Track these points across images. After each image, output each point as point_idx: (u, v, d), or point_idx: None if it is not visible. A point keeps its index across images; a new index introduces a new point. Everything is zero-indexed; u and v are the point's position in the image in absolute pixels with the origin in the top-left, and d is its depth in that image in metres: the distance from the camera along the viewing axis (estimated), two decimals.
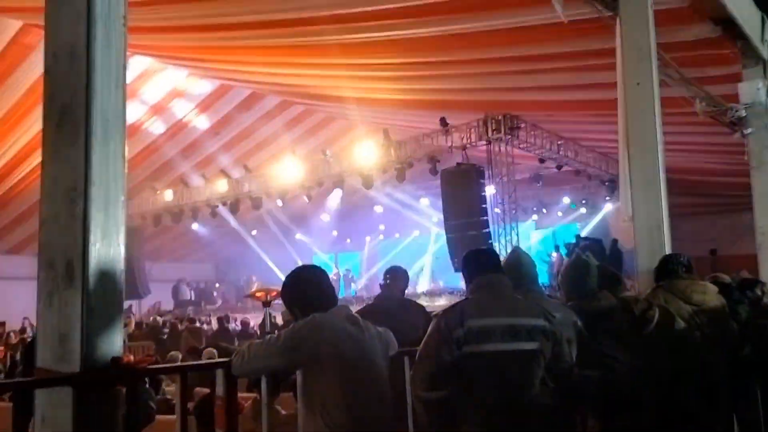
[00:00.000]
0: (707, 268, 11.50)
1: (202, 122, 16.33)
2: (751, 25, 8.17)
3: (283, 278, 2.86)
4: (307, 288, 2.74)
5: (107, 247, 2.01)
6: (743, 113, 8.50)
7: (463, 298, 3.05)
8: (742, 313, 4.46)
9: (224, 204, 18.37)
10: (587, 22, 6.08)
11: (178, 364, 5.46)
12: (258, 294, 12.72)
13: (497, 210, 14.29)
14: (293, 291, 2.77)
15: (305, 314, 2.60)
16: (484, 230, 13.54)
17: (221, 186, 18.26)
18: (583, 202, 19.64)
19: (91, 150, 1.92)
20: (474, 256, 3.15)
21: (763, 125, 8.45)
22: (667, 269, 4.34)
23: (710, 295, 4.17)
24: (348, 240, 25.43)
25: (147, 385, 4.97)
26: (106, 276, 2.02)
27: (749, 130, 8.57)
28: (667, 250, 4.84)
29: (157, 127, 16.19)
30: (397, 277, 4.57)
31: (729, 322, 4.20)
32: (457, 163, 14.27)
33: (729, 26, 7.69)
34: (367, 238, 25.00)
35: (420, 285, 20.31)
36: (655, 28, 5.28)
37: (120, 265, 2.08)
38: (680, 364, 3.96)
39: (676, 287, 4.16)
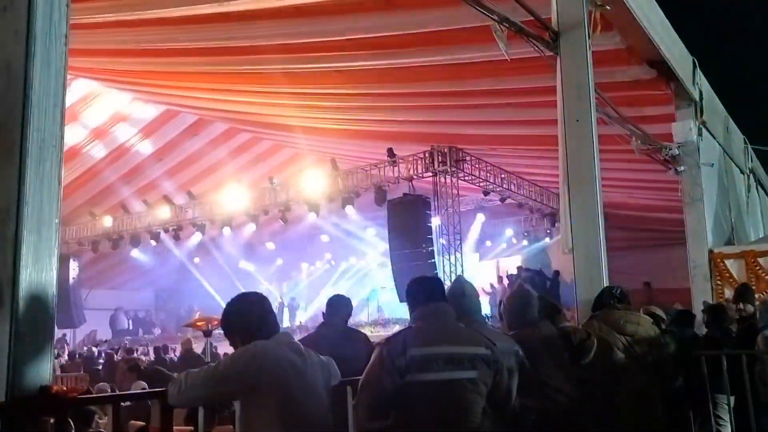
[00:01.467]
0: (643, 300, 11.85)
1: (145, 147, 16.01)
2: (684, 67, 8.61)
3: (224, 307, 2.79)
4: (249, 315, 2.65)
5: (39, 271, 1.93)
6: (676, 151, 8.90)
7: (407, 326, 3.05)
8: (671, 344, 4.61)
9: (166, 231, 17.97)
10: (529, 61, 6.27)
11: (111, 393, 5.24)
12: (199, 323, 12.42)
13: (442, 241, 14.43)
14: (234, 318, 2.68)
15: (246, 342, 2.54)
16: (430, 260, 13.64)
17: (163, 212, 17.88)
18: (526, 234, 20.05)
19: (25, 169, 1.86)
20: (418, 285, 3.16)
21: (695, 163, 8.85)
22: (602, 300, 4.47)
23: (644, 326, 4.30)
24: (293, 269, 25.18)
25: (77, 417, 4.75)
26: (36, 301, 1.94)
27: (682, 168, 8.96)
28: (605, 282, 4.97)
29: (98, 151, 15.79)
30: (339, 306, 4.53)
31: (663, 352, 4.33)
32: (404, 194, 14.40)
33: (663, 68, 8.09)
34: (312, 267, 24.80)
35: (365, 314, 20.22)
36: (594, 68, 5.49)
37: (52, 290, 2.00)
38: (618, 394, 4.05)
39: (610, 318, 4.28)
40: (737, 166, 11.54)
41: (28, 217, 1.87)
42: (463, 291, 3.55)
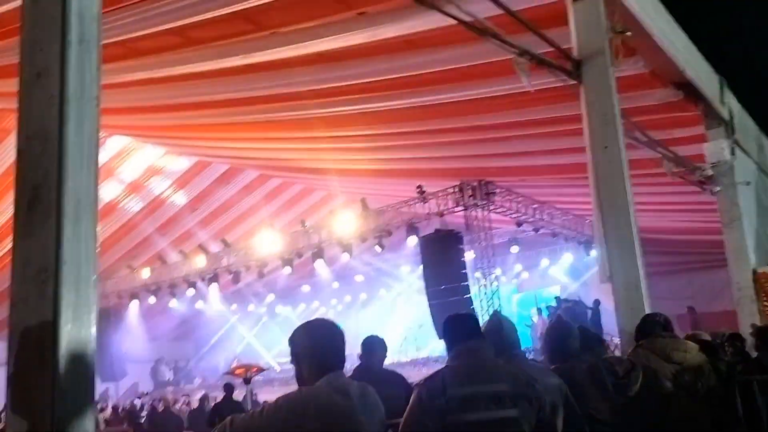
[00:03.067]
0: (687, 326, 11.54)
1: (179, 198, 16.35)
2: (711, 88, 8.52)
3: (263, 353, 2.73)
4: (322, 343, 2.54)
5: (78, 328, 1.96)
6: (710, 172, 8.75)
7: (444, 366, 3.00)
8: (723, 369, 4.46)
9: (203, 279, 18.17)
10: (553, 90, 6.29)
11: None
12: (238, 371, 12.42)
13: (478, 275, 14.30)
14: (305, 343, 2.55)
15: (311, 370, 2.48)
16: (465, 296, 13.50)
17: (199, 261, 18.11)
18: (562, 264, 19.76)
19: (62, 229, 1.91)
20: (453, 323, 3.13)
21: (731, 183, 8.69)
22: (646, 328, 4.35)
23: (691, 353, 4.17)
24: (330, 310, 25.16)
25: None
26: (77, 357, 1.97)
27: (718, 189, 8.80)
28: (646, 309, 4.86)
29: (134, 205, 16.15)
30: (374, 347, 4.47)
31: (712, 380, 4.18)
32: (436, 230, 14.36)
33: (690, 90, 8.01)
34: (348, 308, 24.73)
35: (403, 354, 20.01)
36: (618, 94, 5.47)
37: (92, 345, 2.03)
38: (667, 424, 3.91)
39: (656, 346, 4.16)
40: None
41: (66, 275, 1.91)
42: (501, 326, 3.50)
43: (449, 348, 3.03)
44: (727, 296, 9.14)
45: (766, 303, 8.45)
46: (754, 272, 8.58)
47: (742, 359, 5.36)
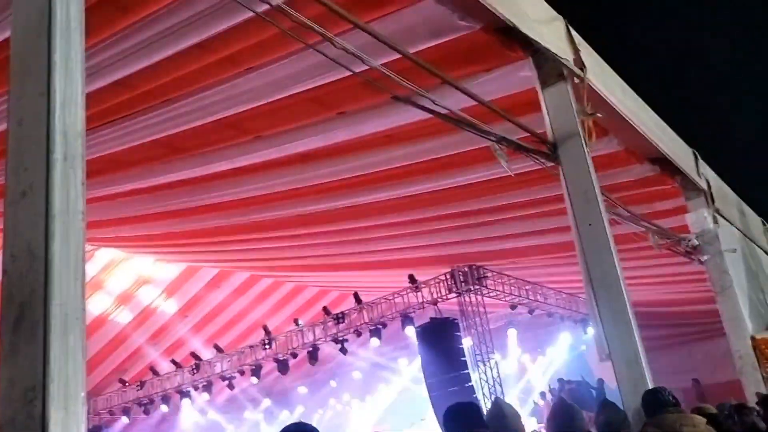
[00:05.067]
0: (693, 398, 11.29)
1: (170, 306, 16.17)
2: (686, 161, 8.77)
3: None
4: None
5: None
6: (696, 242, 8.85)
7: None
8: None
9: (196, 388, 17.69)
10: (533, 173, 6.44)
11: None
12: None
13: (478, 362, 14.04)
14: None
15: None
16: (467, 384, 13.22)
17: (192, 370, 17.69)
18: (560, 344, 19.48)
19: (49, 346, 1.89)
20: (454, 414, 3.08)
21: (717, 251, 8.76)
22: (654, 405, 4.27)
23: (700, 427, 4.08)
24: (328, 411, 24.38)
25: None
26: None
27: (705, 258, 8.86)
28: (649, 385, 4.77)
29: (124, 317, 15.94)
30: None
31: None
32: (431, 318, 14.23)
33: (665, 164, 8.25)
34: (347, 407, 24.01)
35: None
36: (597, 172, 5.60)
37: None
38: None
39: (665, 423, 4.07)
40: (761, 247, 11.40)
41: (54, 394, 1.88)
42: (503, 413, 3.44)
43: None
44: (729, 365, 9.00)
45: None
46: (753, 339, 8.50)
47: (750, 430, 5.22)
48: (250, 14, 4.15)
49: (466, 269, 13.73)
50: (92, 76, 5.46)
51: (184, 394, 17.78)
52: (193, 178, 8.41)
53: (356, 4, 4.86)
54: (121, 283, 14.86)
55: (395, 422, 20.95)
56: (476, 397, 12.88)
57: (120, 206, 9.44)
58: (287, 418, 22.56)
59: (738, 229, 10.22)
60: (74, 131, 2.20)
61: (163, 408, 18.15)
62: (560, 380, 17.00)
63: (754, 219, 11.80)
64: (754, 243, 11.05)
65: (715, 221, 8.96)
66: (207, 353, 17.75)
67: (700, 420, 4.20)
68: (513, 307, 15.39)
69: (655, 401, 4.29)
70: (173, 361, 18.00)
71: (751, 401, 6.83)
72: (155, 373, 18.14)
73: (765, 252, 11.63)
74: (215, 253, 13.37)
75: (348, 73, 4.89)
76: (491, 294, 14.35)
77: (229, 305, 16.76)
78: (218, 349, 17.38)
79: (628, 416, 4.43)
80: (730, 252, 8.96)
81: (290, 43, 5.04)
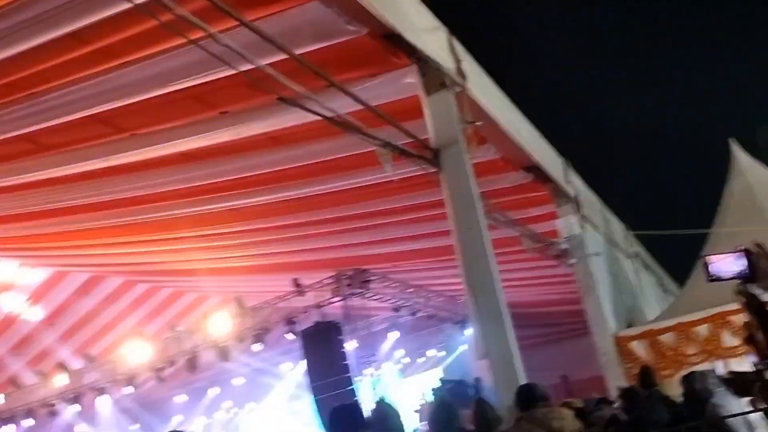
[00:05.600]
0: (562, 393, 11.99)
1: (35, 314, 15.01)
2: (556, 169, 9.33)
3: None
4: None
5: None
6: (565, 246, 9.43)
7: None
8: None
9: (65, 401, 16.57)
10: (417, 178, 6.59)
11: None
12: None
13: (362, 365, 14.15)
14: None
15: None
16: (349, 387, 13.27)
17: (60, 381, 16.55)
18: (441, 345, 20.05)
19: None
20: (337, 416, 3.08)
21: (583, 255, 9.38)
22: (527, 400, 4.47)
23: (568, 420, 4.33)
24: (210, 419, 23.65)
25: None
26: None
27: (572, 261, 9.47)
28: (522, 382, 5.01)
29: None
30: None
31: None
32: (315, 323, 14.15)
33: (538, 172, 8.74)
34: (230, 414, 23.42)
35: None
36: (476, 178, 5.83)
37: None
38: None
39: (536, 416, 4.28)
40: (622, 251, 12.31)
41: None
42: (386, 414, 3.48)
43: None
44: (594, 362, 9.64)
45: (629, 365, 9.00)
46: (615, 337, 9.16)
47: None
48: (128, 5, 3.97)
49: (351, 273, 13.79)
50: None
51: (50, 408, 16.60)
52: (61, 177, 7.89)
53: (241, 1, 4.77)
54: None
55: (280, 427, 20.68)
56: (358, 399, 12.96)
57: None
58: (165, 428, 21.67)
59: (602, 235, 10.98)
60: None
61: (29, 422, 16.87)
62: (441, 380, 17.47)
63: (617, 225, 12.73)
64: (617, 247, 11.92)
65: (582, 227, 9.59)
66: (77, 363, 16.67)
67: (568, 413, 4.46)
68: (396, 309, 15.63)
69: (528, 396, 4.50)
70: (38, 373, 16.76)
71: (614, 395, 7.35)
72: (17, 386, 16.81)
73: (626, 256, 12.57)
74: (86, 257, 12.57)
75: (232, 72, 4.79)
76: (375, 297, 14.50)
77: (100, 312, 15.82)
78: (89, 359, 16.37)
79: (499, 411, 4.62)
80: (594, 256, 9.61)
81: (171, 37, 4.87)
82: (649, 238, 14.53)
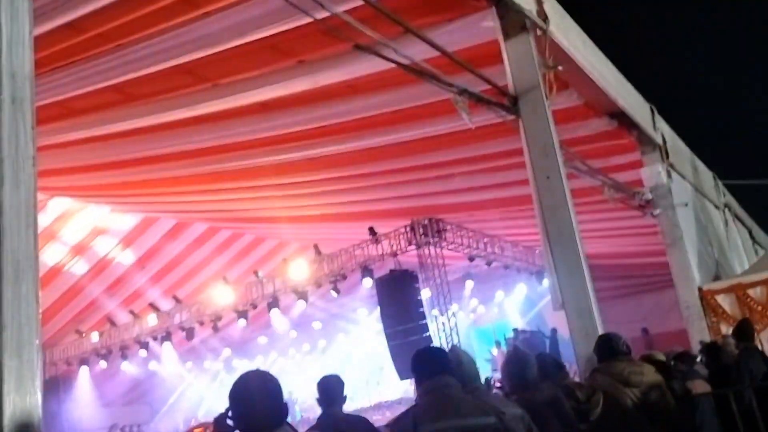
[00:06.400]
0: (642, 347, 11.75)
1: (127, 257, 15.93)
2: (643, 115, 8.90)
3: (222, 410, 2.55)
4: (250, 402, 2.30)
5: (23, 396, 1.89)
6: (649, 196, 9.07)
7: (413, 403, 2.99)
8: (678, 389, 4.54)
9: (155, 339, 17.65)
10: (493, 126, 6.46)
11: None
12: (196, 431, 12.02)
13: (435, 312, 14.31)
14: (234, 406, 2.33)
15: None
16: (425, 334, 13.48)
17: (151, 320, 17.61)
18: (517, 295, 19.97)
19: (1, 293, 1.85)
20: (420, 359, 3.13)
21: (669, 205, 9.01)
22: (606, 351, 4.40)
23: (648, 375, 4.24)
24: (288, 361, 24.65)
25: None
26: (23, 427, 1.88)
27: (657, 211, 9.11)
28: (600, 333, 4.93)
29: (79, 268, 15.64)
30: (331, 389, 4.19)
31: (669, 399, 4.26)
32: (390, 270, 14.36)
33: (623, 119, 8.36)
34: (308, 356, 24.32)
35: (366, 399, 19.71)
36: (557, 126, 5.65)
37: (38, 413, 1.95)
38: None
39: (614, 370, 4.22)
40: (711, 202, 11.75)
41: (7, 341, 1.85)
42: (460, 360, 3.50)
43: (418, 384, 3.03)
44: (676, 315, 9.37)
45: (713, 319, 8.70)
46: (700, 290, 8.84)
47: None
48: None
49: (426, 222, 13.84)
50: (41, 18, 5.21)
51: (143, 345, 17.73)
52: (148, 127, 8.20)
53: None
54: (76, 233, 14.53)
55: (355, 371, 21.33)
56: (433, 345, 13.14)
57: (74, 154, 9.17)
58: (247, 367, 22.74)
59: (690, 184, 10.50)
60: (22, 73, 2.11)
61: (122, 359, 18.10)
62: (515, 330, 17.48)
63: (706, 174, 12.13)
64: (706, 198, 11.39)
65: (669, 176, 9.19)
66: (166, 304, 17.66)
67: (649, 368, 4.37)
68: (471, 259, 15.62)
69: (608, 348, 4.42)
70: (131, 312, 17.88)
71: (696, 349, 7.15)
72: (113, 324, 18.02)
73: (715, 206, 12.00)
74: (173, 204, 13.16)
75: (308, 20, 4.78)
76: (450, 246, 14.53)
77: (187, 256, 16.60)
78: (177, 300, 17.30)
79: (563, 364, 4.56)
80: (681, 206, 9.22)
81: None
82: (741, 188, 13.84)
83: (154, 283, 17.02)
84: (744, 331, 6.09)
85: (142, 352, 18.00)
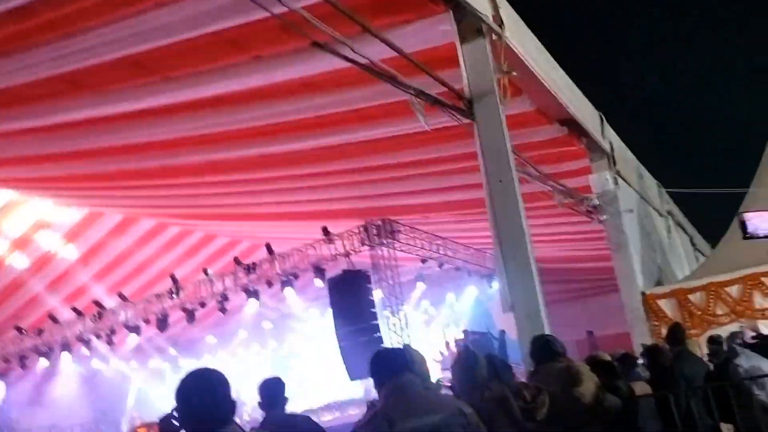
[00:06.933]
0: (586, 349, 12.04)
1: (70, 252, 15.43)
2: (592, 123, 9.12)
3: (167, 410, 2.49)
4: (193, 401, 2.28)
5: None
6: (597, 202, 9.30)
7: (380, 403, 2.98)
8: (623, 388, 4.66)
9: (98, 337, 17.17)
10: (449, 129, 6.51)
11: None
12: (140, 430, 11.75)
13: (387, 313, 14.35)
14: (179, 404, 2.31)
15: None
16: (376, 334, 13.49)
17: (95, 318, 17.11)
18: (467, 297, 20.21)
19: None
20: (381, 359, 3.14)
21: (616, 211, 9.25)
22: (542, 352, 4.47)
23: (585, 375, 4.33)
24: (236, 362, 24.32)
25: None
26: None
27: (604, 217, 9.35)
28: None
29: (21, 262, 15.10)
30: (272, 390, 4.17)
31: (609, 399, 4.34)
32: (343, 271, 14.33)
33: (573, 126, 8.56)
34: (256, 357, 24.04)
35: (314, 399, 19.60)
36: (510, 131, 5.73)
37: None
38: None
39: (551, 371, 4.29)
40: (655, 209, 12.12)
41: None
42: (413, 359, 3.53)
43: (379, 383, 3.03)
44: (620, 319, 9.62)
45: (655, 323, 8.97)
46: (643, 294, 9.11)
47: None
48: None
49: (379, 223, 13.87)
50: None
51: (86, 343, 17.24)
52: (96, 118, 7.98)
53: None
54: (18, 226, 14.02)
55: (305, 371, 21.20)
56: (383, 346, 13.17)
57: (17, 144, 8.85)
58: (194, 366, 22.36)
59: (636, 191, 10.80)
60: None
61: (64, 356, 17.56)
62: (465, 331, 17.68)
63: (651, 182, 12.50)
64: (650, 205, 11.73)
65: (616, 183, 9.44)
66: (111, 302, 17.20)
67: (586, 368, 4.45)
68: (423, 261, 15.74)
69: (546, 350, 4.49)
70: (74, 309, 17.35)
71: (638, 352, 7.35)
72: (55, 320, 17.45)
73: (659, 214, 12.38)
74: (120, 198, 12.81)
75: (265, 15, 4.72)
76: (403, 248, 14.59)
77: (134, 253, 16.20)
78: (122, 298, 16.87)
79: (512, 366, 4.63)
80: (627, 213, 9.48)
81: None
82: (683, 196, 14.28)
83: (98, 279, 16.56)
84: (675, 335, 6.29)
85: (85, 350, 17.50)
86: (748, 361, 5.71)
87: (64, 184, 11.47)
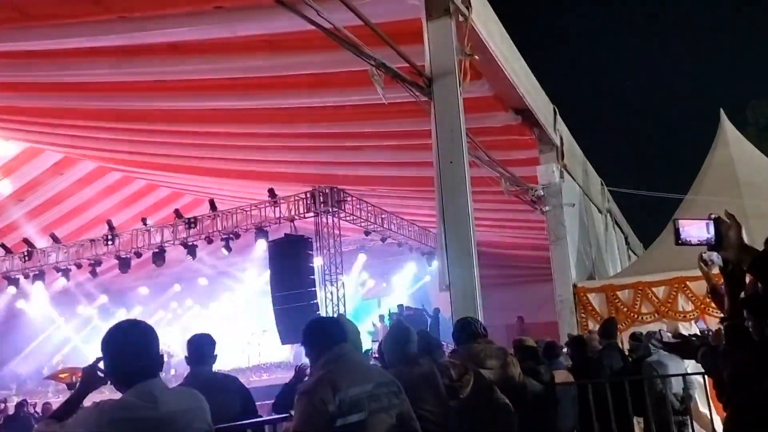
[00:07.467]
0: (516, 334, 12.37)
1: (4, 187, 14.83)
2: (546, 115, 9.27)
3: (92, 357, 2.47)
4: (128, 349, 2.29)
5: None
6: (541, 193, 9.50)
7: (320, 371, 3.00)
8: (545, 374, 4.82)
9: (26, 277, 16.67)
10: (406, 105, 6.50)
11: None
12: (62, 375, 11.52)
13: (326, 282, 14.38)
14: (112, 350, 2.31)
15: (119, 379, 2.27)
16: (312, 301, 13.53)
17: (23, 256, 16.58)
18: (406, 273, 20.45)
19: None
20: (319, 327, 3.16)
21: (558, 204, 9.48)
22: (464, 334, 4.57)
23: (502, 359, 4.45)
24: (169, 315, 24.04)
25: None
26: None
27: (547, 208, 9.57)
28: (481, 317, 5.15)
29: None
30: (201, 346, 4.11)
31: (525, 386, 4.47)
32: (286, 234, 14.27)
33: (527, 116, 8.68)
34: (190, 312, 23.81)
35: (245, 359, 19.59)
36: (465, 114, 5.78)
37: None
38: (495, 425, 4.16)
39: (471, 352, 4.39)
40: (596, 206, 12.47)
41: None
42: (345, 329, 3.56)
43: (318, 352, 3.04)
44: (551, 308, 9.91)
45: (583, 315, 9.29)
46: (574, 287, 9.40)
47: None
48: None
49: (327, 191, 13.82)
50: None
51: (12, 281, 16.71)
52: (44, 51, 7.65)
53: None
54: None
55: (237, 331, 21.12)
56: (319, 314, 13.23)
57: None
58: (124, 316, 21.98)
59: (579, 186, 11.08)
60: None
61: None
62: (400, 306, 17.90)
63: (595, 179, 12.84)
64: (592, 201, 12.06)
65: (562, 176, 9.66)
66: (42, 242, 16.68)
67: (503, 353, 4.57)
68: (367, 233, 15.80)
69: (466, 331, 4.58)
70: (2, 246, 16.76)
71: (564, 341, 7.61)
72: None
73: (599, 210, 12.74)
74: (62, 137, 12.33)
75: None
76: (348, 218, 14.61)
77: (71, 195, 15.69)
78: (55, 239, 16.37)
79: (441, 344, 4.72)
80: (569, 206, 9.73)
81: None
82: (623, 197, 14.71)
83: (31, 218, 16.01)
84: (609, 329, 6.59)
85: (11, 289, 16.97)
86: (659, 360, 6.04)
87: (4, 115, 10.97)
